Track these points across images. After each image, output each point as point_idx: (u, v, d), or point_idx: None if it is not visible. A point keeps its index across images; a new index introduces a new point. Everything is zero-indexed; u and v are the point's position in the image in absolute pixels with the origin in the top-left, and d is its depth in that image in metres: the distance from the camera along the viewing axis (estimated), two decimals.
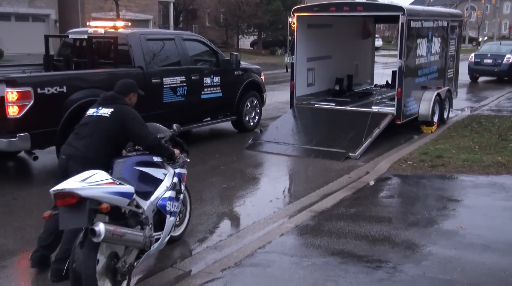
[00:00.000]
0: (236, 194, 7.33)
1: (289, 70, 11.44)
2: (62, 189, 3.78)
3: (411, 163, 8.44)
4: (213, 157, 9.28)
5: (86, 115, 4.92)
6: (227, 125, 11.45)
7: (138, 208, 4.40)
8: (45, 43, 9.62)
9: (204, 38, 10.70)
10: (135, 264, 4.32)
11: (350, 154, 9.20)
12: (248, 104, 11.28)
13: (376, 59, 17.03)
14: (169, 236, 4.95)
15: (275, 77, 18.67)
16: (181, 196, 5.17)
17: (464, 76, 21.30)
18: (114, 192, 3.99)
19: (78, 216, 3.79)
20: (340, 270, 4.69)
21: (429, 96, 11.27)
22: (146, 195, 4.56)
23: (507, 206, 6.50)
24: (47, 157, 8.44)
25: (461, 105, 15.51)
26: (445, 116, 12.33)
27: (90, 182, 3.89)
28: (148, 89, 8.79)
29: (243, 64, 11.31)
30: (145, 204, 4.49)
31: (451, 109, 12.87)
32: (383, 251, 5.09)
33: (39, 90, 7.29)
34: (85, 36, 9.25)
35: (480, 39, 56.21)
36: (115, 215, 4.20)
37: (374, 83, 15.19)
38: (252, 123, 11.50)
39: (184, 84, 9.47)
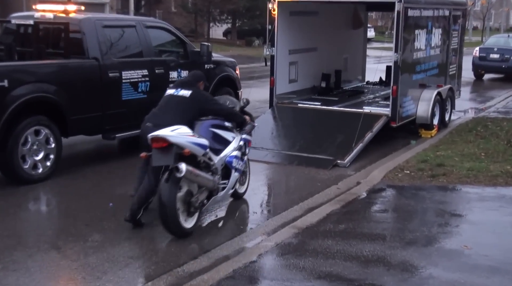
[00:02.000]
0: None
1: (268, 63, 11.45)
2: (158, 135, 5.91)
3: (408, 172, 8.51)
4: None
5: (167, 94, 6.95)
6: None
7: (210, 160, 6.44)
8: None
9: (170, 26, 10.65)
10: (205, 202, 6.40)
11: (339, 161, 9.23)
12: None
13: (368, 52, 17.16)
14: (233, 190, 7.04)
15: (252, 71, 18.66)
16: (245, 157, 7.27)
17: (468, 72, 21.61)
18: (194, 142, 6.13)
19: (167, 157, 5.90)
20: None
21: (429, 96, 11.38)
22: (217, 152, 6.64)
23: None
24: None
25: (465, 106, 15.72)
26: (447, 118, 12.48)
27: (178, 132, 6.04)
28: (104, 84, 8.75)
29: (215, 56, 11.28)
30: (216, 159, 6.57)
31: (453, 110, 13.03)
32: (377, 274, 5.10)
33: None
34: (31, 22, 9.12)
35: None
36: (192, 163, 6.09)
37: (366, 80, 15.31)
38: None
39: (147, 78, 9.39)
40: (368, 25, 20.68)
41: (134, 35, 9.48)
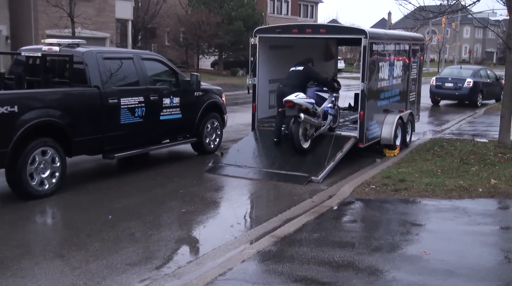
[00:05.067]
0: (195, 219, 7.27)
1: (250, 91, 11.48)
2: (288, 99, 9.71)
3: (374, 187, 8.55)
4: (172, 181, 9.20)
5: (290, 70, 10.58)
6: (186, 147, 11.38)
7: (315, 110, 10.14)
8: None
9: (163, 58, 10.67)
10: (314, 133, 10.18)
11: (313, 177, 9.25)
12: (209, 125, 11.26)
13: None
14: (328, 126, 10.62)
15: (236, 98, 18.75)
16: (335, 107, 10.96)
17: (426, 99, 21.83)
18: (307, 101, 9.88)
19: (293, 110, 9.74)
20: None
21: (392, 120, 11.48)
22: (319, 105, 10.33)
23: (469, 230, 6.64)
24: None
25: (423, 129, 15.86)
26: (408, 139, 12.56)
27: (298, 97, 9.78)
28: (104, 110, 8.72)
29: (204, 84, 11.30)
30: (319, 109, 10.31)
31: (413, 132, 13.13)
32: (346, 278, 5.11)
33: None
34: (39, 54, 9.10)
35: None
36: (307, 113, 9.87)
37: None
38: (212, 146, 11.47)
39: (143, 104, 9.39)
40: (339, 57, 20.80)
41: (131, 66, 9.49)
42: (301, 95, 9.90)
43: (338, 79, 11.57)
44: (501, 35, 27.83)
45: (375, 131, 11.12)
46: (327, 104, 10.61)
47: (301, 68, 10.51)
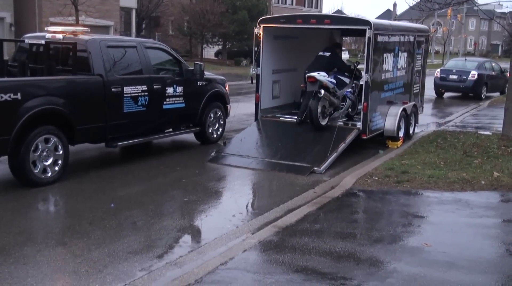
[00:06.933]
0: (197, 208, 7.28)
1: (254, 81, 11.47)
2: (310, 75, 10.40)
3: (376, 178, 8.55)
4: (174, 170, 9.22)
5: (318, 55, 11.37)
6: (189, 136, 11.39)
7: (335, 91, 10.77)
8: None
9: (167, 47, 10.65)
10: (333, 112, 10.86)
11: (315, 168, 9.25)
12: (212, 115, 11.26)
13: None
14: (347, 111, 11.28)
15: (239, 88, 18.72)
16: (355, 93, 11.41)
17: (430, 91, 21.78)
18: (328, 80, 10.53)
19: (315, 86, 10.34)
20: None
21: (395, 111, 11.45)
22: (340, 88, 10.93)
23: (471, 223, 6.64)
24: None
25: (427, 121, 15.83)
26: (411, 131, 12.54)
27: (320, 75, 10.41)
28: (107, 98, 8.72)
29: (207, 74, 11.28)
30: (339, 92, 10.94)
31: (416, 124, 13.10)
32: (347, 268, 5.12)
33: None
34: (42, 41, 9.09)
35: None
36: (327, 91, 10.44)
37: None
38: (215, 135, 11.47)
39: (146, 93, 9.39)
40: (343, 48, 20.71)
41: (135, 54, 9.47)
42: (323, 73, 10.61)
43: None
44: (507, 28, 27.70)
45: (378, 122, 11.10)
46: (346, 88, 11.22)
47: (327, 54, 11.27)
